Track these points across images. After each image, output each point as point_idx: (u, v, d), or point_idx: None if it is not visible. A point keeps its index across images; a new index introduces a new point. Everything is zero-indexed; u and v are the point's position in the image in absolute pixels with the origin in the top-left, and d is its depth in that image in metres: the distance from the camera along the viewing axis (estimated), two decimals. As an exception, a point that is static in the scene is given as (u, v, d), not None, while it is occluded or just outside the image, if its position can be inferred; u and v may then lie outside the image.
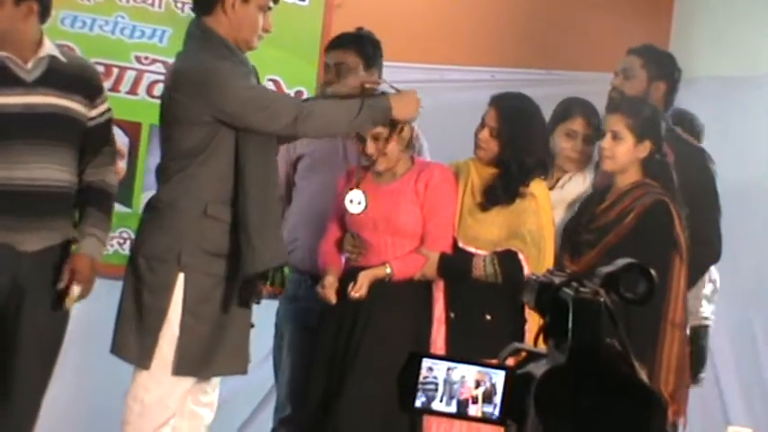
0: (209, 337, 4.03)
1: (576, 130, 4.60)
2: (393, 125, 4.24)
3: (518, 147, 4.33)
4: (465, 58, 6.05)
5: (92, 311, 4.63)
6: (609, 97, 4.75)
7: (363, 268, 4.33)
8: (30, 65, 4.17)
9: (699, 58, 5.98)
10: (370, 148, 4.29)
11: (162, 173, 4.14)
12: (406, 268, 4.31)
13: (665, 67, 4.88)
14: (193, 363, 4.02)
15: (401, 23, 5.77)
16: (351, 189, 4.33)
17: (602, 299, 1.52)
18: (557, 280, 1.58)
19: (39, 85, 4.18)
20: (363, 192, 4.31)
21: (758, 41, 5.87)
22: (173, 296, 3.98)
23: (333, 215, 4.53)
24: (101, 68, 5.35)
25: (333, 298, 4.30)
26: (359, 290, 4.26)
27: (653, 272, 1.59)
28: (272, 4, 4.11)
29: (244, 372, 4.18)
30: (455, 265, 4.32)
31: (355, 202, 4.32)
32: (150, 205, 4.18)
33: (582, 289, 1.54)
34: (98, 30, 5.56)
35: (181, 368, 4.00)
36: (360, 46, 4.81)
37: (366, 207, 4.30)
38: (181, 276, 3.99)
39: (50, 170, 4.19)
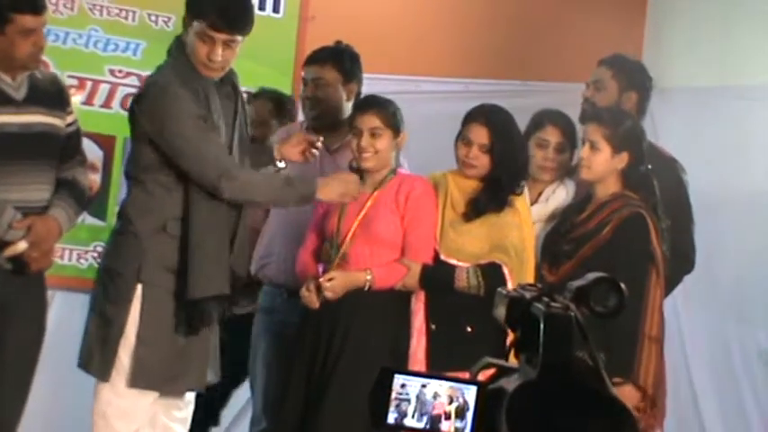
0: (168, 353, 4.03)
1: (547, 140, 4.59)
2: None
3: (509, 159, 4.35)
4: (439, 70, 6.06)
5: (68, 325, 4.63)
6: (581, 109, 4.76)
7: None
8: (16, 83, 4.15)
9: (672, 68, 6.01)
10: (365, 141, 4.30)
11: (128, 185, 4.17)
12: (387, 277, 4.30)
13: (635, 77, 4.89)
14: (151, 376, 4.02)
15: (375, 35, 5.77)
16: (326, 267, 4.34)
17: (572, 313, 1.52)
18: (527, 295, 1.59)
19: (28, 104, 4.14)
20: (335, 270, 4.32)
21: (731, 52, 5.90)
22: (131, 309, 3.99)
23: (311, 224, 4.52)
24: (74, 81, 5.36)
25: (316, 303, 4.28)
26: (332, 289, 4.24)
27: (623, 285, 1.59)
28: (219, 36, 3.96)
29: (201, 387, 4.17)
30: (437, 276, 4.31)
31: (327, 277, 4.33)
32: (118, 217, 4.22)
33: (553, 304, 1.54)
34: (71, 43, 5.54)
35: (137, 381, 4.01)
36: (338, 60, 4.79)
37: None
38: (139, 289, 4.00)
39: (43, 191, 4.17)
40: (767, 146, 5.74)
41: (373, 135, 4.31)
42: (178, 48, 4.06)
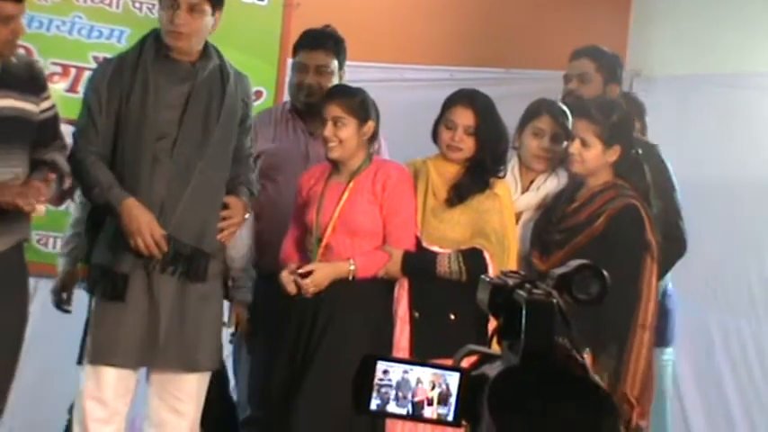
0: (111, 328, 4.12)
1: (542, 129, 4.58)
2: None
3: (494, 141, 4.36)
4: (424, 57, 6.06)
5: (51, 312, 4.62)
6: (564, 102, 4.74)
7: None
8: None
9: (657, 56, 6.02)
10: (328, 130, 4.30)
11: None
12: (370, 265, 4.30)
13: (615, 70, 4.96)
14: (97, 351, 4.12)
15: (360, 23, 5.76)
16: (303, 271, 4.31)
17: (554, 300, 1.53)
18: (510, 282, 1.59)
19: None
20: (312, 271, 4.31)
21: (716, 40, 5.91)
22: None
23: (293, 214, 4.52)
24: (58, 69, 5.33)
25: (293, 288, 4.28)
26: (314, 283, 4.24)
27: (605, 273, 1.59)
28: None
29: (131, 367, 4.20)
30: (419, 262, 4.32)
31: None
32: None
33: (535, 290, 1.55)
34: (55, 30, 5.52)
35: (91, 356, 4.12)
36: (339, 48, 4.80)
37: (319, 292, 4.29)
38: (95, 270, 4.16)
39: (11, 174, 4.16)
40: (752, 134, 5.76)
41: (336, 124, 4.30)
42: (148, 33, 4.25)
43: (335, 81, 4.75)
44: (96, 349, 4.12)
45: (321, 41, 4.81)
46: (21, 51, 4.42)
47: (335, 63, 4.76)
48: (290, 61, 5.06)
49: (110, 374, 4.13)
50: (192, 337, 4.18)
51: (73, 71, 5.51)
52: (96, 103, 4.14)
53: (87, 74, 5.47)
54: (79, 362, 4.18)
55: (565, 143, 4.51)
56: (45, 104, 4.26)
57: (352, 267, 4.27)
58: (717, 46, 5.91)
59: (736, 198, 5.64)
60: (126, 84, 4.13)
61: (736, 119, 5.81)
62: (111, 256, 4.11)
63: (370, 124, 4.34)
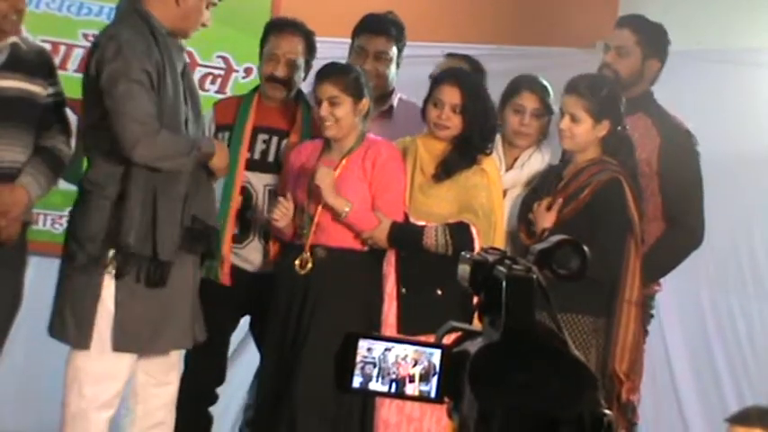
0: (148, 313, 4.06)
1: (523, 105, 4.59)
2: None
3: (481, 119, 4.37)
4: (414, 34, 6.02)
5: (42, 290, 4.62)
6: (603, 74, 4.64)
7: (312, 246, 4.35)
8: None
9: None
10: (324, 110, 4.30)
11: (89, 152, 4.16)
12: (362, 218, 4.33)
13: (658, 44, 4.73)
14: (134, 338, 4.06)
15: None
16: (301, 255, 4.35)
17: (534, 276, 1.53)
18: (490, 258, 1.59)
19: (5, 70, 4.21)
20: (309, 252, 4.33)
21: (705, 17, 5.91)
22: (104, 273, 4.02)
23: (281, 188, 4.54)
24: (48, 46, 5.32)
25: (283, 221, 4.33)
26: (322, 179, 4.26)
27: (585, 248, 1.60)
28: (216, 1, 4.17)
29: (188, 346, 4.22)
30: (406, 233, 4.34)
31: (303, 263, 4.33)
32: (81, 185, 4.20)
33: (515, 266, 1.55)
34: (44, 7, 5.51)
35: (120, 344, 4.04)
36: (399, 34, 4.79)
37: (311, 269, 4.32)
38: (111, 253, 4.03)
39: (14, 152, 4.23)
40: (745, 110, 5.75)
41: (332, 104, 4.30)
42: (129, 3, 4.11)
43: (393, 69, 4.76)
44: (124, 336, 4.03)
45: (384, 27, 4.79)
46: (34, 39, 4.48)
47: (395, 50, 4.76)
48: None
49: (126, 360, 4.10)
50: (197, 312, 4.21)
51: (62, 49, 5.50)
52: (149, 83, 3.98)
53: (77, 51, 5.49)
54: (86, 347, 4.07)
55: (546, 118, 4.53)
56: (52, 89, 4.31)
57: (347, 209, 4.28)
58: (706, 22, 5.90)
59: (727, 174, 5.63)
60: (159, 65, 4.03)
61: (725, 94, 5.81)
62: (149, 242, 4.01)
63: (365, 102, 4.35)
